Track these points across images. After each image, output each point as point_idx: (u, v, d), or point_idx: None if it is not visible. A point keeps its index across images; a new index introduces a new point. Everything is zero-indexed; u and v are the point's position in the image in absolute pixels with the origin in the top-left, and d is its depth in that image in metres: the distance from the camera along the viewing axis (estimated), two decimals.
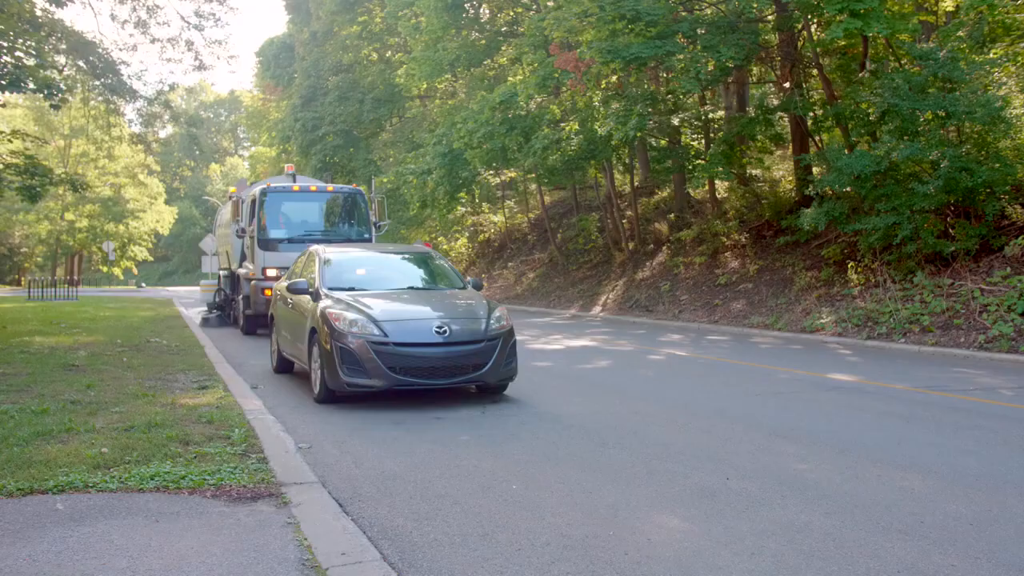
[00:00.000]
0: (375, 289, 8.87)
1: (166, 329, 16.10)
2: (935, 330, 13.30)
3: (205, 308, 20.11)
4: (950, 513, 4.64)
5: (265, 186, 15.93)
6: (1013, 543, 4.18)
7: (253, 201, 15.77)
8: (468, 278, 10.08)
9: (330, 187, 16.68)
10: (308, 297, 8.85)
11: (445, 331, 7.81)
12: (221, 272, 19.91)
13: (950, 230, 14.64)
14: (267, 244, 15.13)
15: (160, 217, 62.05)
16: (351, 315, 7.88)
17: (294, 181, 16.86)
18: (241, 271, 16.46)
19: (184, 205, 76.84)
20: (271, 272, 14.92)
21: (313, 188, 16.58)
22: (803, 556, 3.98)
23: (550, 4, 24.72)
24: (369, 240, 15.99)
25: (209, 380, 9.06)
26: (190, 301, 30.50)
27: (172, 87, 24.99)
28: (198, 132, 37.69)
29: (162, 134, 63.24)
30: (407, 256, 10.35)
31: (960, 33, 14.57)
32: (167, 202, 66.63)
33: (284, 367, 10.40)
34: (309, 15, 40.58)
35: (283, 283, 10.09)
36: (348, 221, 16.33)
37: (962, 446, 6.28)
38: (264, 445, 5.95)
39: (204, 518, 4.34)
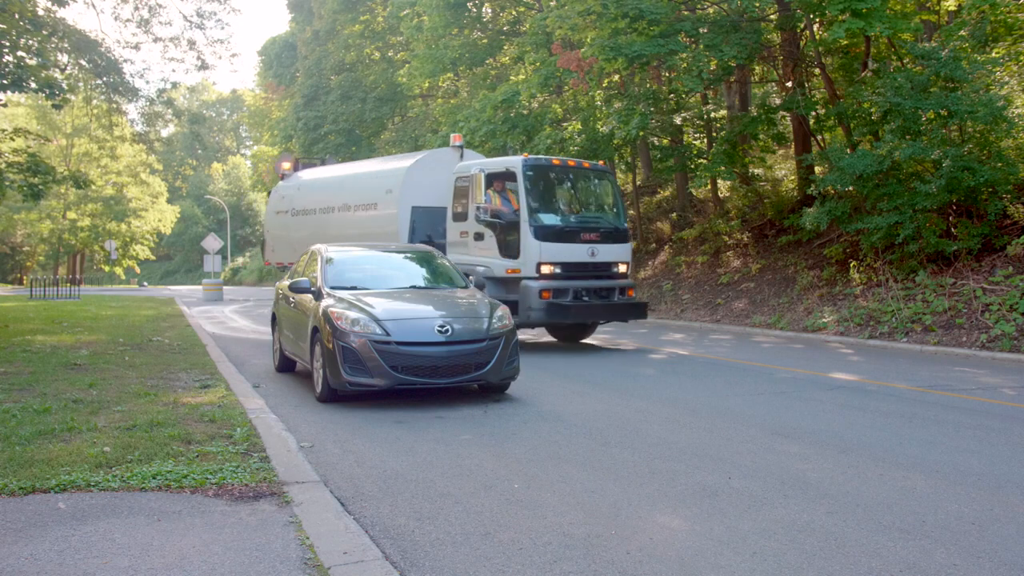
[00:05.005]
0: (377, 288, 8.87)
1: (168, 328, 16.10)
2: (937, 329, 13.28)
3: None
4: (952, 512, 4.64)
5: (523, 157, 12.83)
6: (1015, 542, 4.18)
7: (502, 174, 12.78)
8: (470, 277, 10.08)
9: (586, 163, 13.88)
10: (310, 296, 8.84)
11: (447, 330, 7.81)
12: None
13: (952, 229, 14.63)
14: (543, 233, 12.28)
15: (162, 216, 62.10)
16: (353, 314, 7.89)
17: (462, 156, 14.05)
18: (480, 269, 12.67)
19: (186, 204, 76.84)
20: (546, 269, 12.24)
21: (571, 163, 13.66)
22: (805, 555, 3.98)
23: (552, 3, 24.71)
24: (626, 231, 13.47)
25: (211, 379, 9.06)
26: (192, 300, 30.56)
27: (174, 85, 24.92)
28: (201, 129, 37.66)
29: (164, 133, 63.21)
30: (409, 255, 10.33)
31: (962, 32, 14.56)
32: (169, 201, 66.67)
33: (286, 366, 10.41)
34: (311, 14, 40.62)
35: (285, 282, 10.12)
36: (605, 206, 13.76)
37: (964, 445, 6.28)
38: (266, 444, 5.95)
39: (206, 517, 4.34)
